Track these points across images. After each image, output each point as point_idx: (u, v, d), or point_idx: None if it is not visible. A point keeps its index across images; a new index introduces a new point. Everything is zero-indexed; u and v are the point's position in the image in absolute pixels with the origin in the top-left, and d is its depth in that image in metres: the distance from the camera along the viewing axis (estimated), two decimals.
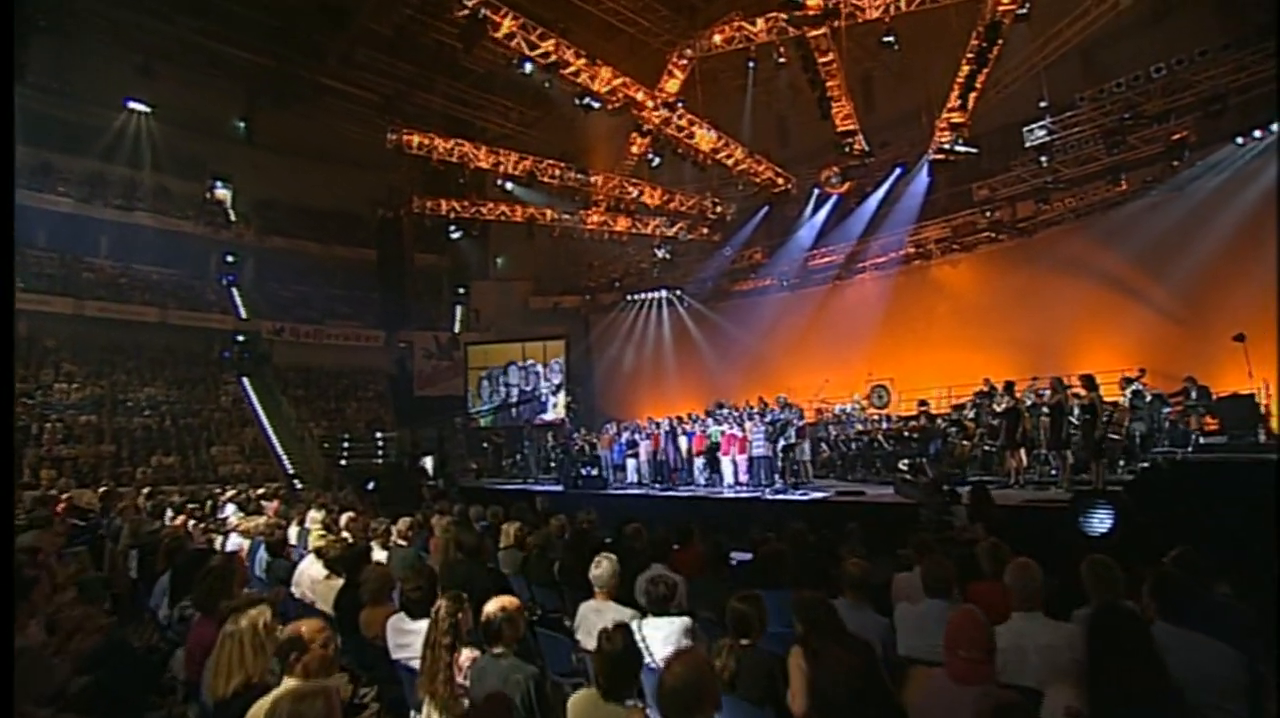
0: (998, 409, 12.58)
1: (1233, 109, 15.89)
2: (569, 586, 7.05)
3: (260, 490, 15.03)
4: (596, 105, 17.67)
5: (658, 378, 27.14)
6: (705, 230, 24.32)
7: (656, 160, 22.67)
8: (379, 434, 25.81)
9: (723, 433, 15.45)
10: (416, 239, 28.06)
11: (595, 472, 16.96)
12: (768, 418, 13.65)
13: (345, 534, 8.48)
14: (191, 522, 10.56)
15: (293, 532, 10.03)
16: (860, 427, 17.15)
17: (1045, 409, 12.27)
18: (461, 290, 32.77)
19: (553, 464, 19.89)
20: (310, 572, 6.12)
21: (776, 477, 14.38)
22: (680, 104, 19.13)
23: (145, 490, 14.68)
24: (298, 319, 28.04)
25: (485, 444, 25.30)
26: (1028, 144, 18.10)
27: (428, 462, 22.96)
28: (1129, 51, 17.50)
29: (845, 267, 23.98)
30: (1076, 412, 11.73)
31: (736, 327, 26.18)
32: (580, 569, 7.23)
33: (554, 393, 25.98)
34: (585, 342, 29.28)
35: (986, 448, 14.28)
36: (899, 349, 22.28)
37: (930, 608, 4.69)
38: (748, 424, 15.35)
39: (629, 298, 28.86)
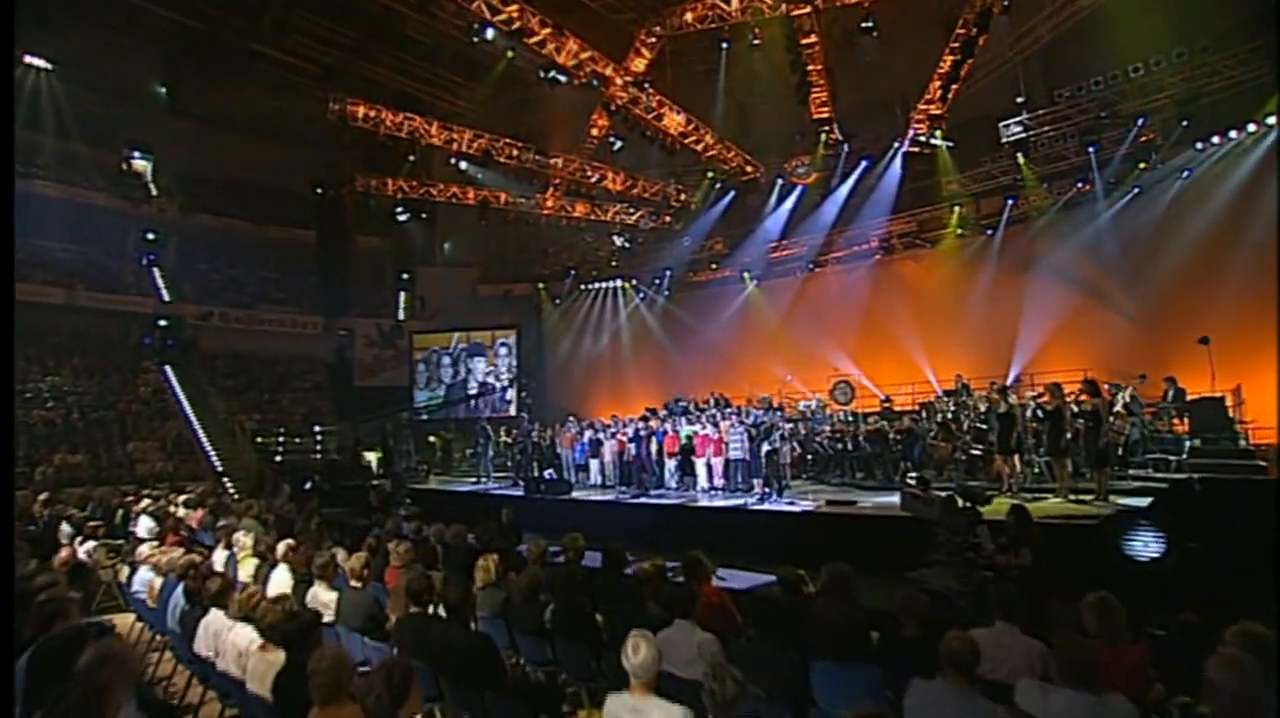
0: (996, 412, 11.72)
1: (1201, 112, 15.51)
2: (564, 636, 5.75)
3: (183, 497, 13.12)
4: (563, 79, 16.17)
5: (615, 371, 25.80)
6: (668, 219, 23.06)
7: (618, 144, 21.32)
8: (317, 428, 23.80)
9: (696, 434, 14.27)
10: (359, 220, 25.96)
11: (556, 474, 15.57)
12: (749, 420, 12.52)
13: (282, 569, 6.95)
14: (90, 545, 8.79)
15: (219, 557, 8.41)
16: (832, 426, 16.19)
17: (1041, 414, 11.47)
18: (406, 276, 30.75)
19: (509, 463, 18.38)
20: (237, 639, 4.62)
21: (757, 482, 13.28)
22: (649, 84, 17.77)
23: (43, 497, 12.64)
24: (228, 303, 25.66)
25: (432, 439, 23.58)
26: (1004, 140, 17.43)
27: (372, 458, 21.17)
28: (1096, 51, 16.91)
29: (810, 260, 23.09)
30: (1077, 417, 11.00)
31: (697, 319, 25.04)
32: (577, 617, 5.95)
33: (507, 386, 24.36)
34: (537, 332, 27.68)
35: (973, 452, 13.50)
36: (863, 345, 21.50)
37: (1073, 706, 3.56)
38: (723, 425, 14.21)
39: (584, 287, 27.41)
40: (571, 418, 22.30)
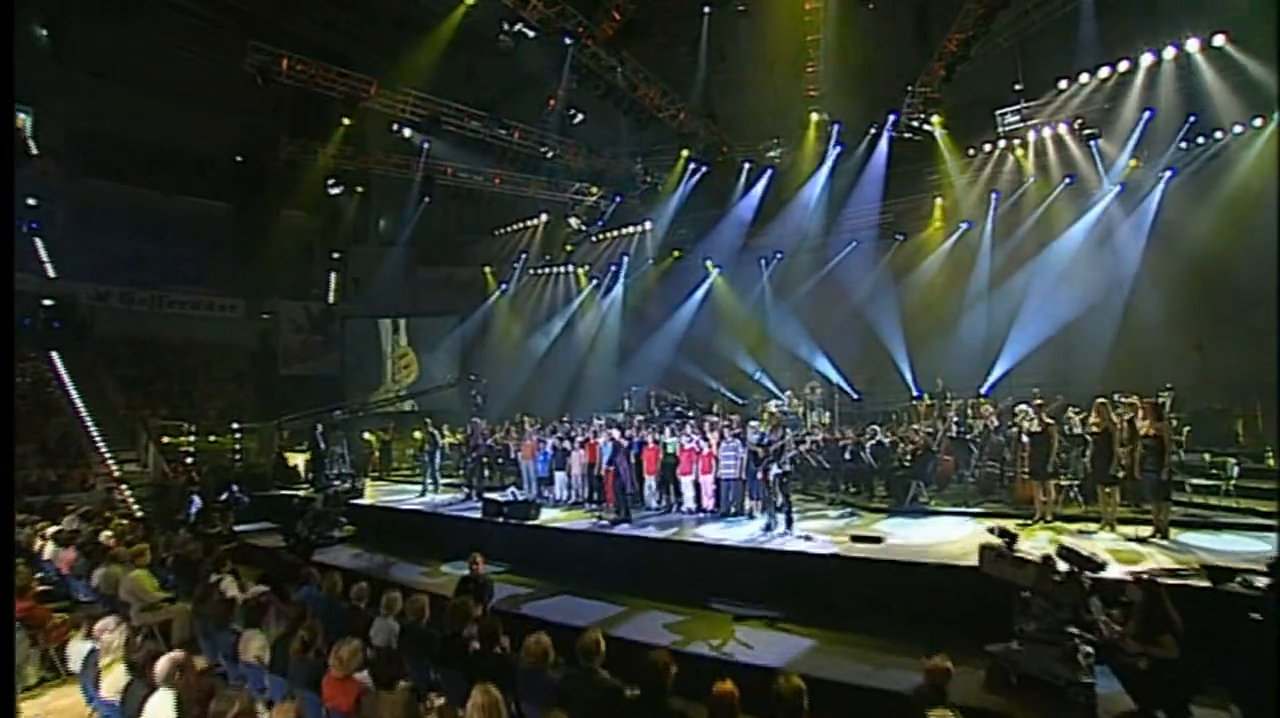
0: (1029, 431, 10.13)
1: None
2: None
3: (54, 528, 10.34)
4: (530, 34, 13.73)
5: (569, 363, 23.57)
6: (634, 200, 20.89)
7: (579, 117, 18.98)
8: (237, 425, 20.76)
9: (681, 447, 12.29)
10: (283, 192, 22.72)
11: (518, 488, 13.30)
12: (755, 438, 10.59)
13: (164, 698, 4.62)
14: None
15: (76, 651, 6.00)
16: (826, 434, 14.47)
17: (1088, 436, 9.93)
18: (337, 255, 27.66)
19: (459, 469, 15.98)
20: None
21: (752, 503, 11.42)
22: (622, 49, 15.51)
23: None
24: (130, 282, 22.22)
25: (368, 437, 20.90)
26: (1001, 129, 15.94)
27: (300, 461, 18.41)
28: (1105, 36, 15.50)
29: (780, 248, 21.37)
30: (1130, 442, 9.53)
31: (660, 308, 23.06)
32: None
33: (453, 381, 21.79)
34: (484, 320, 25.11)
35: (988, 469, 11.97)
36: (839, 340, 19.94)
37: None
38: (712, 437, 12.28)
39: (536, 272, 25.02)
40: (527, 419, 20.06)
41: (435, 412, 22.87)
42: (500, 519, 11.96)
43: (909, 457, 11.81)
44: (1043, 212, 16.40)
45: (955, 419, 13.33)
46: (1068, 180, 16.15)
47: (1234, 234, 13.78)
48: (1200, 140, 14.33)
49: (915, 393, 18.84)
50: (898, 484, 11.73)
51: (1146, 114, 14.41)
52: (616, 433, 12.23)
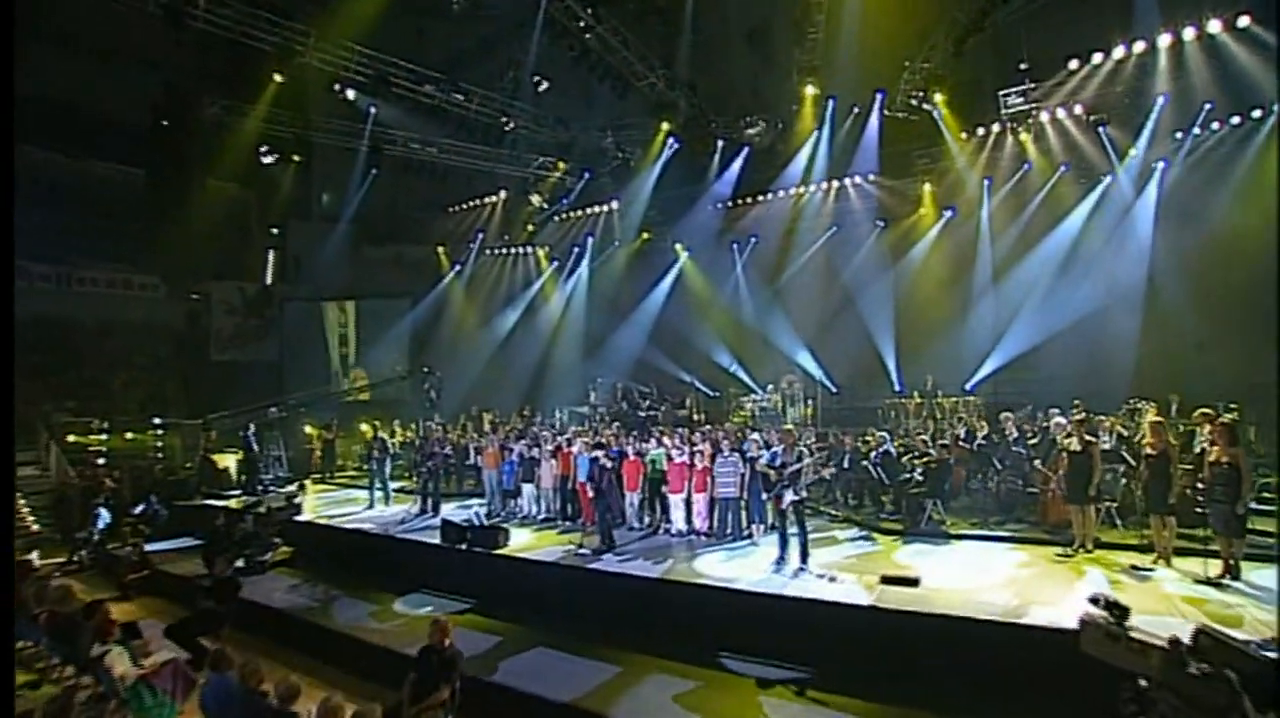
0: (1067, 449, 8.83)
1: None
2: None
3: None
4: None
5: (528, 352, 21.65)
6: (603, 176, 19.02)
7: (544, 84, 16.99)
8: (159, 421, 18.28)
9: (670, 461, 10.67)
10: (209, 159, 19.96)
11: (480, 500, 11.46)
12: (765, 457, 9.01)
13: None
14: None
15: None
16: (821, 440, 13.03)
17: (1143, 460, 8.65)
18: (276, 231, 24.95)
19: (412, 474, 14.01)
20: None
21: (759, 531, 9.92)
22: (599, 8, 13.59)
23: None
24: (30, 256, 19.25)
25: (309, 430, 18.73)
26: (1003, 111, 14.60)
27: (230, 463, 16.17)
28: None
29: (761, 231, 19.83)
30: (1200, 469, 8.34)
31: (628, 294, 21.33)
32: None
33: (404, 374, 19.65)
34: (437, 304, 22.93)
35: (1008, 484, 10.69)
36: (821, 331, 18.58)
37: None
38: (703, 448, 10.69)
39: (493, 252, 22.95)
40: (487, 415, 18.25)
41: (385, 403, 20.80)
42: (463, 547, 10.16)
43: (922, 471, 10.43)
44: (1046, 200, 15.25)
45: (964, 429, 12.03)
46: (1063, 168, 15.02)
47: (1246, 224, 12.77)
48: (1215, 127, 13.21)
49: (898, 388, 17.69)
50: (911, 503, 10.35)
51: (1161, 99, 13.22)
52: (599, 453, 10.46)
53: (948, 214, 16.92)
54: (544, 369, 21.28)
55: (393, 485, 15.23)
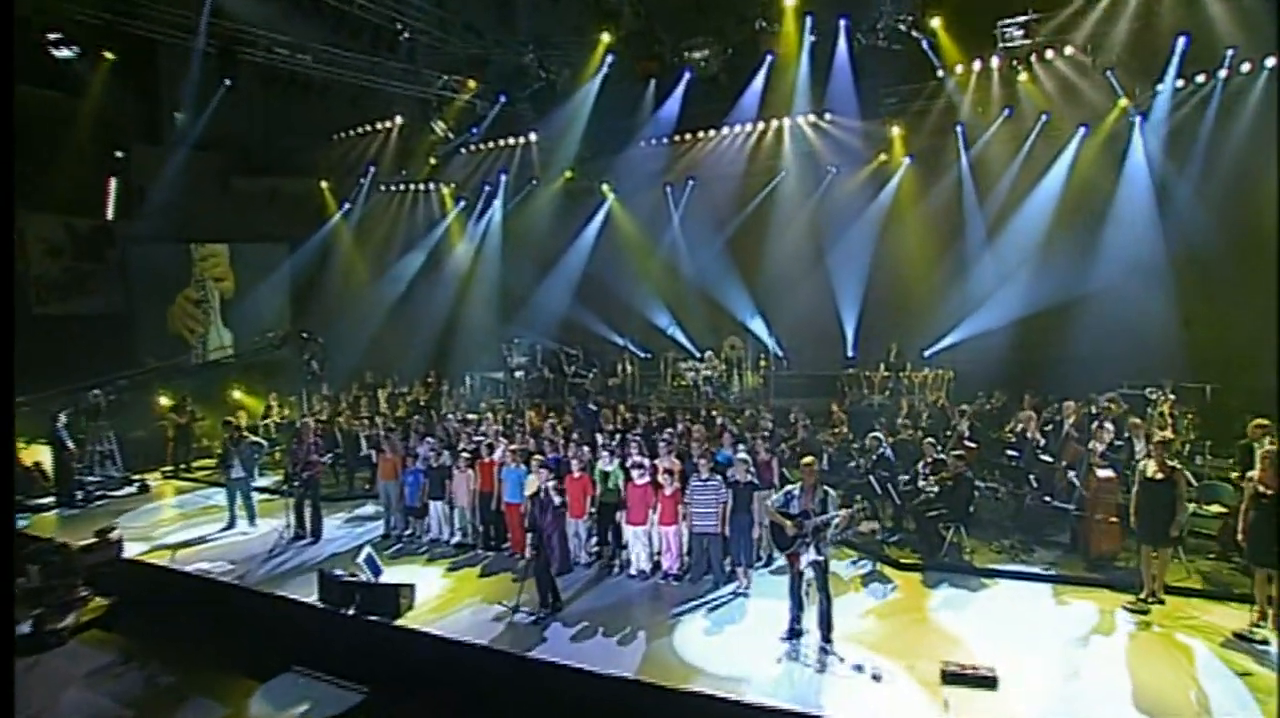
0: (1147, 474, 6.73)
1: None
2: None
3: None
4: None
5: (436, 309, 18.13)
6: (521, 101, 15.41)
7: None
8: None
9: (629, 480, 7.95)
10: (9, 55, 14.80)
11: (381, 530, 8.34)
12: (777, 499, 6.36)
13: None
14: None
15: None
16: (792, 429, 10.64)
17: (1249, 499, 6.64)
18: (120, 155, 19.72)
19: (286, 483, 10.52)
20: None
21: (744, 575, 7.43)
22: None
23: None
24: None
25: (163, 401, 14.77)
26: (1002, 45, 12.12)
27: (44, 456, 12.17)
28: None
29: (703, 173, 16.91)
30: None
31: (550, 242, 18.06)
32: None
33: (281, 339, 15.67)
34: (322, 249, 18.81)
35: (1033, 499, 8.65)
36: (772, 291, 16.09)
37: None
38: (665, 463, 8.03)
39: (389, 189, 18.96)
40: (382, 393, 14.92)
41: (262, 368, 16.84)
42: (352, 601, 7.16)
43: (938, 488, 8.21)
44: (1040, 149, 13.07)
45: (967, 424, 9.88)
46: (1047, 118, 12.87)
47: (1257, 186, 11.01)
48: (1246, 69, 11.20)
49: (851, 355, 15.61)
50: (928, 526, 8.16)
51: (1182, 40, 11.07)
52: (541, 477, 7.60)
53: (924, 161, 14.58)
54: (451, 329, 17.89)
55: (266, 482, 11.93)
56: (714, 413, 12.43)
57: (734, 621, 6.80)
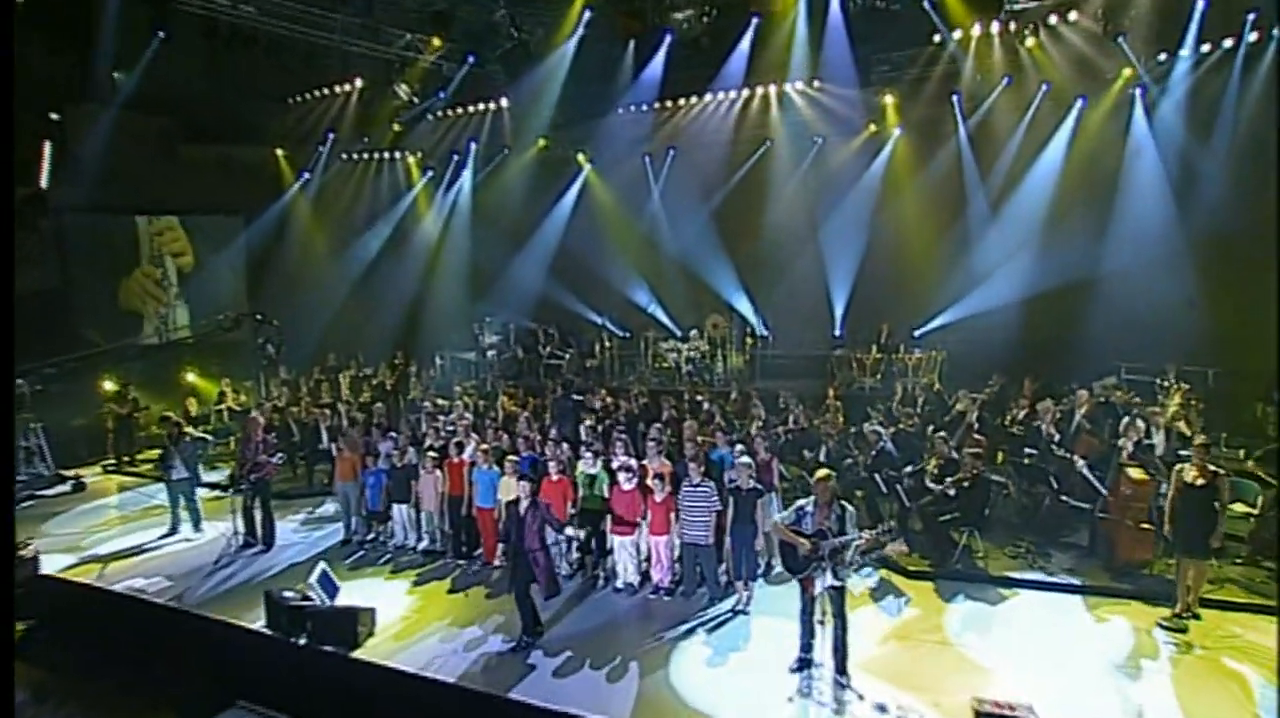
0: (1187, 480, 6.06)
1: None
2: None
3: None
4: None
5: (403, 287, 16.94)
6: (492, 63, 14.12)
7: None
8: None
9: (615, 485, 7.08)
10: None
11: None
12: (788, 516, 5.49)
13: None
14: None
15: None
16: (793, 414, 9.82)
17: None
18: (56, 117, 17.94)
19: (233, 486, 9.37)
20: None
21: (742, 588, 6.65)
22: None
23: None
24: None
25: (107, 385, 13.50)
26: (1008, 7, 11.19)
27: None
28: None
29: (685, 142, 15.83)
30: None
31: (523, 215, 16.91)
32: None
33: (232, 321, 14.31)
34: (279, 222, 17.37)
35: (1049, 497, 7.96)
36: (759, 268, 15.21)
37: None
38: (654, 466, 7.19)
39: (349, 157, 17.58)
40: (344, 380, 13.86)
41: (216, 349, 15.55)
42: (302, 642, 6.23)
43: (954, 491, 7.46)
44: (1044, 120, 12.24)
45: (976, 414, 9.16)
46: (1045, 87, 12.05)
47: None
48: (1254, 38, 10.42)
49: (838, 335, 14.86)
50: (939, 531, 7.45)
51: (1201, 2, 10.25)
52: (516, 484, 6.71)
53: (919, 132, 13.68)
54: (419, 307, 16.74)
55: (218, 476, 10.87)
56: (699, 397, 11.67)
57: (737, 647, 6.02)
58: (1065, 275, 11.72)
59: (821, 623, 5.36)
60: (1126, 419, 7.52)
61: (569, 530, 6.74)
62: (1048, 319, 12.13)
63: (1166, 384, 9.63)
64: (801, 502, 5.51)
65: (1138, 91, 11.51)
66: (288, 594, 6.53)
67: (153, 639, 6.89)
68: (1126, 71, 11.49)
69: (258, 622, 6.55)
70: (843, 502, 5.43)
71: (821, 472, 5.50)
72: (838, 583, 5.25)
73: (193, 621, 6.80)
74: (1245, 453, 8.72)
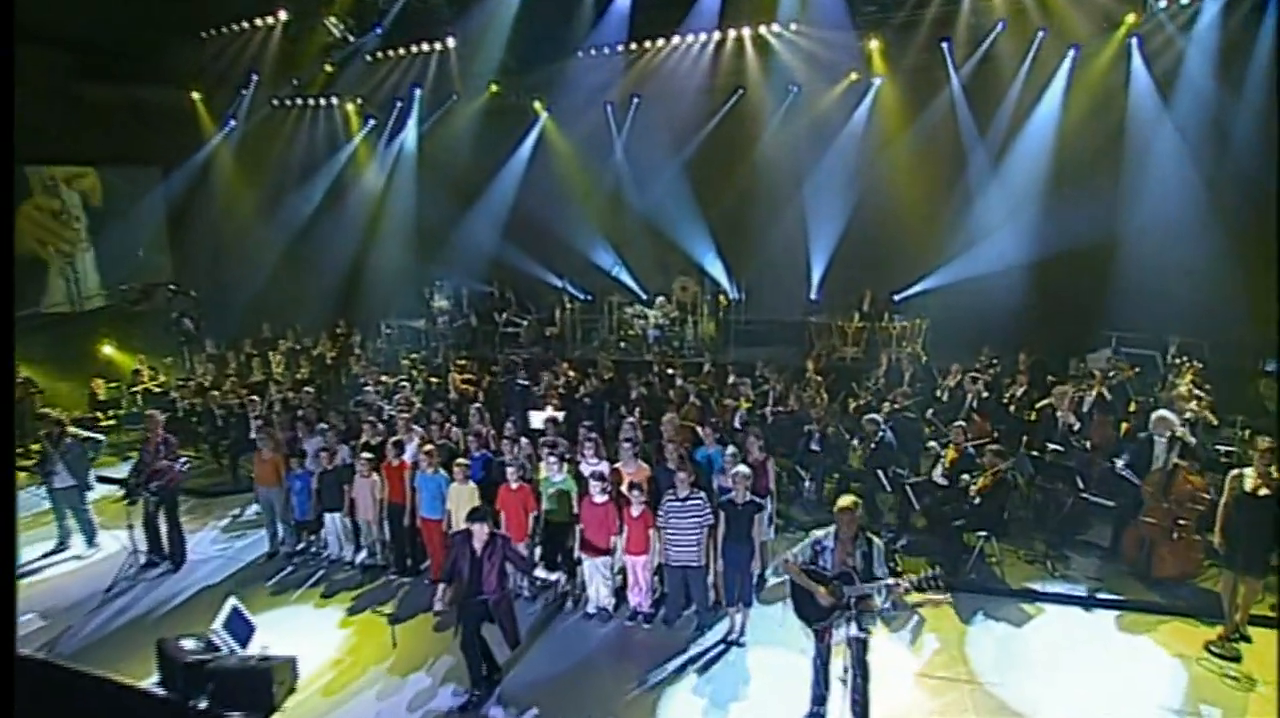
0: (1246, 488, 5.17)
1: None
2: None
3: None
4: None
5: (342, 248, 15.17)
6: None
7: None
8: None
9: (586, 495, 5.91)
10: None
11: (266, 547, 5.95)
12: (801, 555, 4.42)
13: None
14: None
15: None
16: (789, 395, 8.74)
17: None
18: None
19: (134, 488, 7.89)
20: None
21: (737, 616, 5.61)
22: None
23: None
24: None
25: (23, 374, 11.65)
26: None
27: None
28: None
29: (651, 90, 14.25)
30: None
31: (474, 168, 15.19)
32: None
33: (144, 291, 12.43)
34: (200, 176, 15.30)
35: (1091, 498, 7.03)
36: (732, 227, 13.93)
37: None
38: (630, 472, 6.06)
39: (278, 103, 15.51)
40: (275, 361, 12.29)
41: (130, 321, 13.70)
42: (203, 705, 4.99)
43: (982, 500, 6.46)
44: (1036, 70, 11.08)
45: (977, 391, 8.20)
46: (1039, 32, 10.88)
47: None
48: None
49: (814, 299, 13.81)
50: (952, 537, 6.51)
51: None
52: (484, 529, 5.36)
53: (907, 80, 12.44)
54: (362, 270, 15.07)
55: (117, 473, 9.35)
56: (670, 369, 10.55)
57: (736, 694, 5.01)
58: (1057, 242, 10.77)
59: (843, 681, 4.35)
60: (1155, 415, 6.54)
61: (539, 572, 5.54)
62: (1035, 286, 11.22)
63: (1177, 362, 8.79)
64: (818, 534, 4.42)
65: (1149, 35, 10.44)
66: (186, 645, 5.24)
67: (19, 698, 5.55)
68: (1131, 18, 10.43)
69: (151, 677, 5.28)
70: (869, 535, 4.36)
71: (845, 499, 4.40)
72: (862, 635, 4.23)
73: (70, 676, 5.46)
74: (1250, 433, 8.00)
